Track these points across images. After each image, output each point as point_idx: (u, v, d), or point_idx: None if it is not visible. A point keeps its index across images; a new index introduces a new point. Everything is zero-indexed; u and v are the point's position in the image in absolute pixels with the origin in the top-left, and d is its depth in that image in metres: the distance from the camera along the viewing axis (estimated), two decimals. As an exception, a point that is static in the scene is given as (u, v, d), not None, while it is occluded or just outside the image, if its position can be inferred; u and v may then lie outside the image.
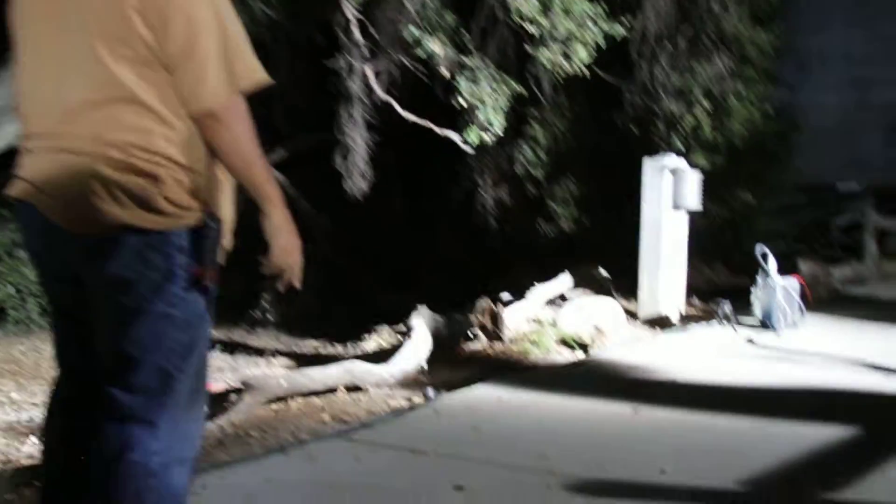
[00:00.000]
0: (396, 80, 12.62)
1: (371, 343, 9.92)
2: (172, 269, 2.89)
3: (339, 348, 10.28)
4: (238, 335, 11.64)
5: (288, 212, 3.15)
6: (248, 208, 3.17)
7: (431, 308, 9.11)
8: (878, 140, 20.71)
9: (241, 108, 2.95)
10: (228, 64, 2.93)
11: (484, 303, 9.23)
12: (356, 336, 10.28)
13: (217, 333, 9.76)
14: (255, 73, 3.00)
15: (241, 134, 2.96)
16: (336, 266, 14.74)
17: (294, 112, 14.73)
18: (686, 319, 10.14)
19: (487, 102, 11.94)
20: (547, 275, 10.93)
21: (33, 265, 3.23)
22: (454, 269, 14.24)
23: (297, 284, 3.21)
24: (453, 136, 11.83)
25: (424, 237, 15.27)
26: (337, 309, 13.35)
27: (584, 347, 8.67)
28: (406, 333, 8.59)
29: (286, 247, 3.13)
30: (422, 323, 8.59)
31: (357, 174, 13.37)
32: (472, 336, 9.05)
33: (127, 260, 2.85)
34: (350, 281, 14.78)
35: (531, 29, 10.91)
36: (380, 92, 12.00)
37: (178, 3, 2.86)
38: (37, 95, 3.05)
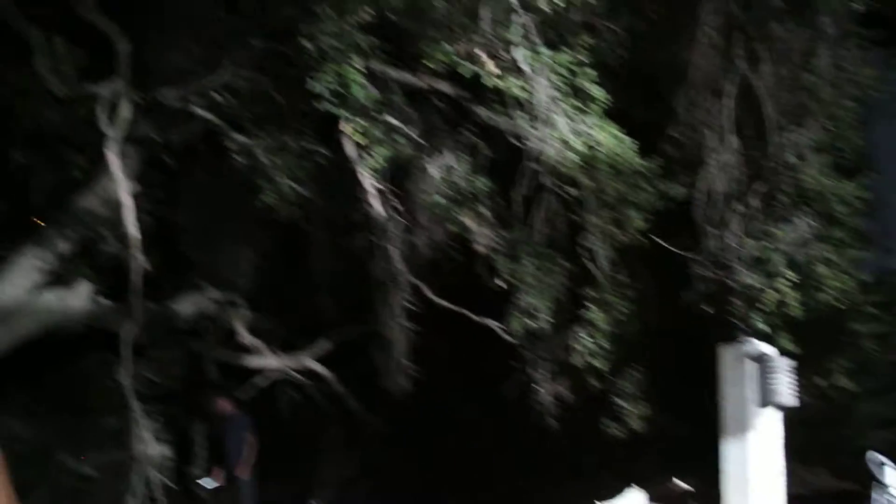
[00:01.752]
0: (434, 258, 11.56)
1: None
2: None
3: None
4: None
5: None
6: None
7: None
8: None
9: None
10: None
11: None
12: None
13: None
14: None
15: None
16: (389, 470, 13.86)
17: (340, 299, 13.97)
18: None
19: (531, 284, 10.67)
20: (615, 482, 10.29)
21: None
22: (509, 479, 12.95)
23: None
24: (493, 324, 10.64)
25: (479, 436, 14.23)
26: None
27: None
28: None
29: None
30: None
31: (397, 370, 12.27)
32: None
33: None
34: (403, 485, 14.15)
35: (575, 192, 9.67)
36: (407, 274, 10.72)
37: None
38: None
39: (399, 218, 10.59)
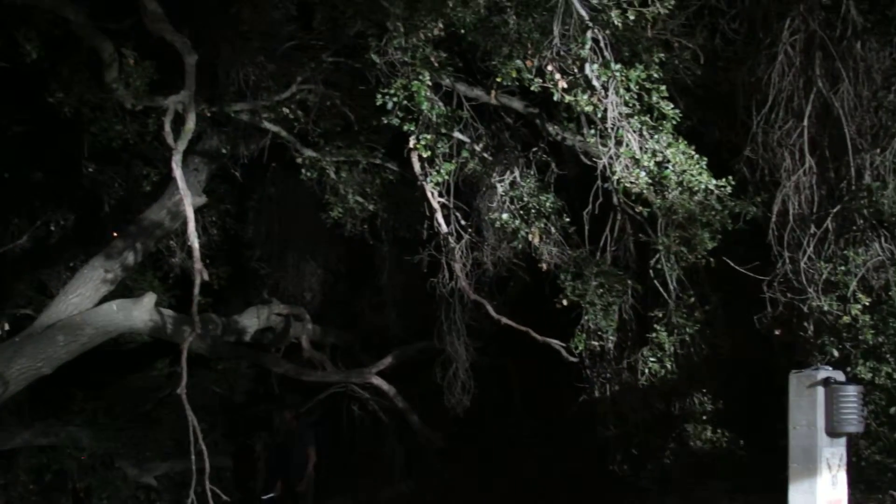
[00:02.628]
0: (499, 275, 11.43)
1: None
2: None
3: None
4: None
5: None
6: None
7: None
8: None
9: None
10: None
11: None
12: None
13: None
14: None
15: None
16: (448, 487, 13.88)
17: (405, 315, 13.94)
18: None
19: (597, 303, 10.51)
20: None
21: None
22: (570, 499, 12.75)
23: None
24: (556, 344, 10.45)
25: (539, 455, 13.86)
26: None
27: None
28: None
29: None
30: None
31: (459, 387, 12.17)
32: None
33: None
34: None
35: (645, 211, 9.47)
36: (470, 291, 10.59)
37: None
38: None
39: (465, 234, 10.48)
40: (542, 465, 13.82)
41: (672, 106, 8.64)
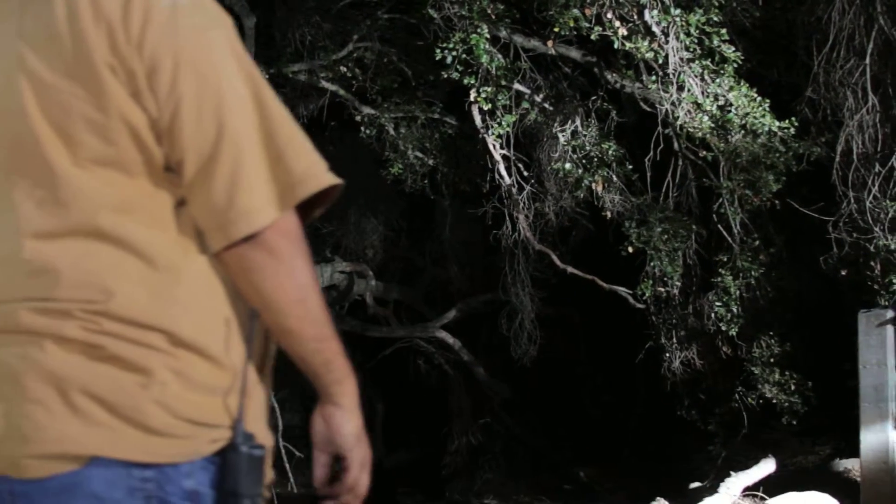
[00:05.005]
0: (562, 225, 11.46)
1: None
2: None
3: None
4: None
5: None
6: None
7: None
8: None
9: (296, 229, 1.82)
10: (276, 162, 1.80)
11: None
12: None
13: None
14: (317, 176, 1.83)
15: (298, 271, 1.81)
16: (515, 438, 13.86)
17: (468, 268, 14.03)
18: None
19: (662, 249, 10.51)
20: (747, 451, 9.89)
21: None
22: (637, 447, 12.81)
23: None
24: (622, 291, 10.49)
25: (606, 404, 14.07)
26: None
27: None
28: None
29: (364, 461, 1.96)
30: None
31: (525, 338, 12.25)
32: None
33: None
34: (533, 455, 13.98)
35: (707, 155, 9.45)
36: (534, 242, 10.66)
37: (192, 63, 1.73)
38: None
39: (527, 186, 10.53)
40: (607, 413, 13.91)
41: (733, 49, 8.61)
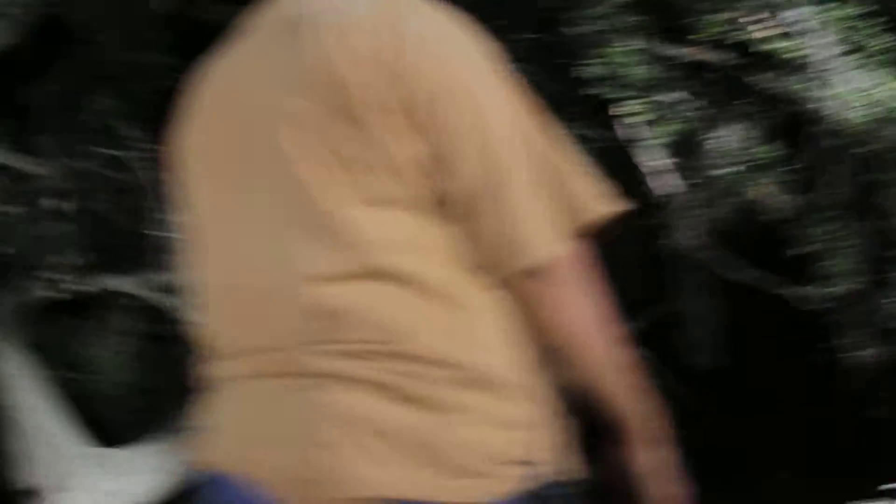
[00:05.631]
0: (724, 231, 11.21)
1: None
2: None
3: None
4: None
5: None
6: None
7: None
8: None
9: (578, 258, 1.90)
10: (551, 190, 1.88)
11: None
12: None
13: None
14: (594, 204, 1.94)
15: (579, 301, 1.84)
16: (693, 448, 13.70)
17: (635, 280, 13.92)
18: None
19: (831, 248, 10.22)
20: None
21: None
22: (821, 453, 12.50)
23: None
24: (792, 293, 10.29)
25: (786, 410, 13.76)
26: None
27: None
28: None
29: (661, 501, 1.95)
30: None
31: (698, 346, 12.09)
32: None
33: None
34: (708, 464, 13.37)
35: (865, 150, 9.17)
36: (698, 249, 10.54)
37: (465, 93, 1.79)
38: (226, 286, 1.87)
39: (685, 194, 10.40)
40: (788, 420, 13.64)
41: (885, 41, 8.36)
